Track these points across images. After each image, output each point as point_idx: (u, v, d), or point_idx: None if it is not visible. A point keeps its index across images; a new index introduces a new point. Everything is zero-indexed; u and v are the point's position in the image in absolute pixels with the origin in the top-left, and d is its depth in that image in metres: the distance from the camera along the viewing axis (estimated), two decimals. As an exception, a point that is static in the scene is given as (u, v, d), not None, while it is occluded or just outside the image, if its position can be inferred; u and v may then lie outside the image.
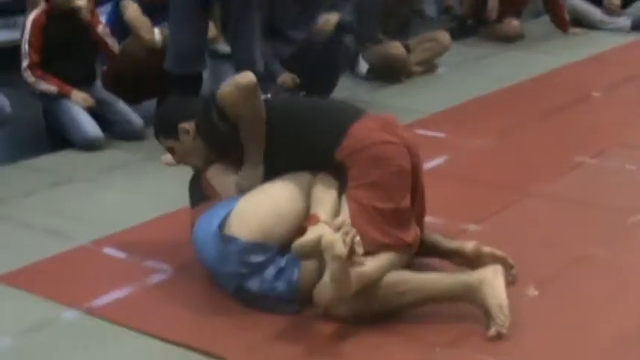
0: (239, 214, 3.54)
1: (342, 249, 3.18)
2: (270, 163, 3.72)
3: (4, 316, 3.58)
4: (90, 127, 5.44)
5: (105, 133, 5.51)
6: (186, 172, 4.04)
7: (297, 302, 3.51)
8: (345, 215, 3.42)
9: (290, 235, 3.49)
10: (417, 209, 3.69)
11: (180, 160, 4.02)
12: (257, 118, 3.67)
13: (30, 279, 3.86)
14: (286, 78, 6.08)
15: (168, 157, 4.29)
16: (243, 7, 5.49)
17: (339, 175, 3.59)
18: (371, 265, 3.37)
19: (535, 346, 3.31)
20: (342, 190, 3.57)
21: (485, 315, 3.36)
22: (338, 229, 3.24)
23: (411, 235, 3.55)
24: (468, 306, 3.44)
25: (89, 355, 3.31)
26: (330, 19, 6.17)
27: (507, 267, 3.64)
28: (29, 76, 5.45)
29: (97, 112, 5.56)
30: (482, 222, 4.37)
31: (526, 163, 5.23)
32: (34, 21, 5.48)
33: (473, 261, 3.68)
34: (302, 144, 3.67)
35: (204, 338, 3.37)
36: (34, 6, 5.80)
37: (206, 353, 3.26)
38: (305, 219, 3.49)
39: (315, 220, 3.39)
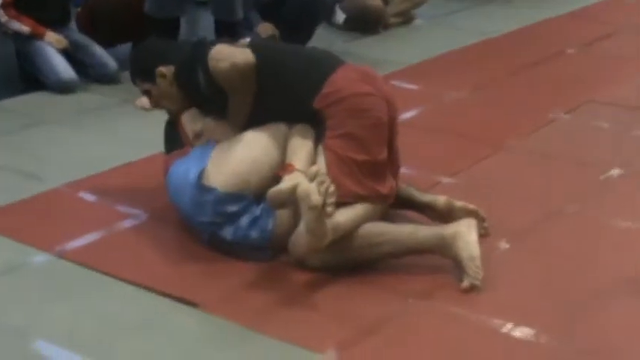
0: (215, 164, 3.51)
1: (317, 199, 3.15)
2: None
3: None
4: (64, 69, 5.37)
5: (79, 76, 5.45)
6: (161, 117, 3.99)
7: (271, 250, 3.51)
8: (320, 165, 3.39)
9: (265, 184, 3.46)
10: (393, 162, 3.67)
11: (155, 104, 3.94)
12: (248, 95, 3.62)
13: (1, 221, 3.81)
14: (264, 27, 6.02)
15: (144, 100, 4.23)
16: None
17: (317, 124, 3.56)
18: (346, 215, 3.36)
19: (508, 299, 3.31)
20: (318, 140, 3.54)
21: (458, 268, 3.36)
22: (313, 178, 3.21)
23: (386, 186, 3.53)
24: (442, 259, 3.44)
25: (60, 299, 3.28)
26: None
27: (479, 220, 3.64)
28: (2, 16, 5.35)
29: (71, 55, 5.49)
30: (456, 175, 4.36)
31: (500, 117, 5.22)
32: None
33: (445, 215, 3.67)
34: (282, 89, 3.62)
35: (176, 284, 3.35)
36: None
37: (178, 299, 3.24)
38: (281, 168, 3.47)
39: (291, 169, 3.37)
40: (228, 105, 3.66)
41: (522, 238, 3.77)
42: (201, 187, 3.48)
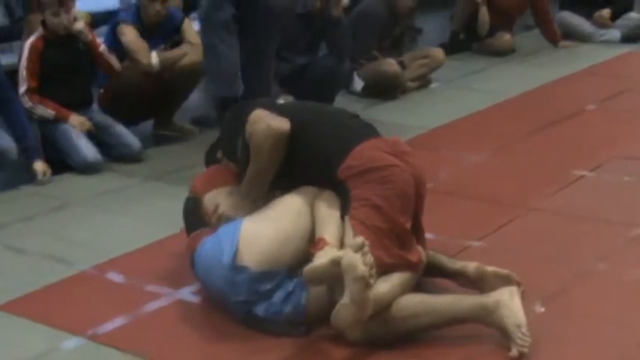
0: (246, 243, 3.48)
1: (363, 270, 3.13)
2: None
3: (6, 346, 3.53)
4: (88, 150, 5.41)
5: (103, 156, 5.47)
6: (181, 194, 4.00)
7: (305, 325, 3.47)
8: (348, 236, 3.38)
9: (297, 256, 3.46)
10: (418, 230, 3.65)
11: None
12: (272, 166, 3.63)
13: (32, 307, 3.80)
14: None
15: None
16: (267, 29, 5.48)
17: (341, 194, 3.55)
18: (384, 285, 3.33)
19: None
20: (343, 211, 3.53)
21: (503, 336, 3.31)
22: (358, 249, 3.18)
23: (415, 255, 3.51)
24: (478, 327, 3.39)
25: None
26: None
27: (513, 284, 3.59)
28: (27, 102, 5.41)
29: (95, 136, 5.53)
30: (484, 238, 4.33)
31: (524, 177, 5.19)
32: (32, 46, 5.46)
33: (477, 281, 3.64)
34: (308, 156, 3.63)
35: (211, 363, 3.32)
36: (32, 31, 5.75)
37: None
38: (310, 240, 3.45)
39: (322, 244, 3.35)
40: (248, 174, 3.66)
41: (556, 299, 3.73)
42: (234, 267, 3.45)
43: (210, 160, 4.15)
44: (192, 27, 6.15)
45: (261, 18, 5.49)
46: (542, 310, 3.65)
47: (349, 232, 3.42)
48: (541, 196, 4.90)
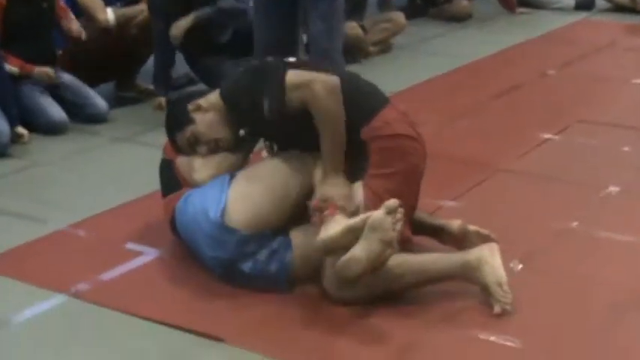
0: (236, 203, 3.48)
1: (392, 235, 3.18)
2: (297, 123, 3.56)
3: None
4: (54, 110, 5.36)
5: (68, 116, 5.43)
6: (149, 155, 3.99)
7: (288, 283, 3.50)
8: (358, 199, 3.41)
9: (283, 217, 3.50)
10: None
11: (208, 142, 3.73)
12: (343, 125, 3.51)
13: (10, 265, 3.78)
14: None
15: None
16: None
17: (357, 157, 3.53)
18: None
19: (531, 321, 3.33)
20: (356, 173, 3.52)
21: (484, 292, 3.38)
22: (391, 212, 3.19)
23: (409, 230, 3.54)
24: (459, 285, 3.45)
25: (82, 339, 3.26)
26: None
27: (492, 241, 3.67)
28: None
29: (61, 95, 5.47)
30: (457, 199, 4.40)
31: (492, 140, 5.26)
32: None
33: (459, 239, 3.70)
34: None
35: (199, 320, 3.33)
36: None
37: (203, 335, 3.23)
38: (306, 196, 3.50)
39: (333, 210, 3.36)
40: (327, 147, 3.49)
41: (534, 258, 3.80)
42: (223, 227, 3.45)
43: (180, 119, 3.83)
44: None
45: None
46: (520, 267, 3.72)
47: (359, 195, 3.44)
48: (510, 157, 4.97)
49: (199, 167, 3.73)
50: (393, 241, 3.19)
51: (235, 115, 3.69)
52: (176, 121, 3.81)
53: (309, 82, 3.46)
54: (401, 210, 3.23)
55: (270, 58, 3.81)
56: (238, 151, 3.80)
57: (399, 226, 3.20)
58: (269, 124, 3.57)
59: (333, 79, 3.50)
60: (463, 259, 3.42)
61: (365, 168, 3.51)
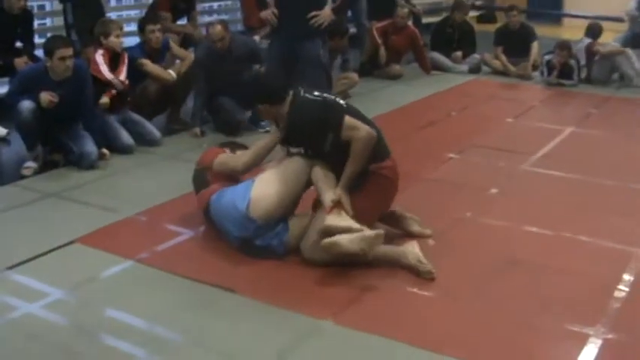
0: (257, 202, 3.41)
1: (369, 250, 3.25)
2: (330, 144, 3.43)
3: (84, 265, 3.50)
4: (125, 137, 5.28)
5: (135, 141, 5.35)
6: (187, 168, 3.97)
7: (283, 253, 3.50)
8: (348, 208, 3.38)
9: (288, 211, 3.49)
10: None
11: (274, 119, 3.56)
12: (366, 162, 3.44)
13: (98, 240, 3.76)
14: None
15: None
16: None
17: (358, 176, 3.46)
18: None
19: (440, 277, 3.36)
20: (354, 184, 3.44)
21: (413, 272, 3.37)
22: (378, 237, 3.27)
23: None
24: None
25: (142, 289, 3.27)
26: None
27: (420, 224, 3.78)
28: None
29: (130, 129, 5.39)
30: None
31: (414, 159, 5.21)
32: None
33: (398, 220, 3.77)
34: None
35: (219, 277, 3.33)
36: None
37: (220, 287, 3.23)
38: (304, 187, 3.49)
39: (339, 208, 3.32)
40: (348, 173, 3.38)
41: (441, 238, 3.81)
42: (247, 216, 3.42)
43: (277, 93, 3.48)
44: (176, 46, 6.02)
45: None
46: (432, 243, 3.74)
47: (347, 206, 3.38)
48: (427, 170, 4.96)
49: (239, 156, 3.68)
50: (368, 253, 3.22)
51: (291, 133, 3.50)
52: (272, 92, 3.49)
53: (360, 128, 3.39)
54: (382, 237, 3.25)
55: (332, 97, 3.55)
56: (265, 148, 3.64)
57: (377, 244, 3.24)
58: (316, 146, 3.43)
59: (373, 132, 3.44)
60: (400, 251, 3.43)
61: (360, 185, 3.46)
